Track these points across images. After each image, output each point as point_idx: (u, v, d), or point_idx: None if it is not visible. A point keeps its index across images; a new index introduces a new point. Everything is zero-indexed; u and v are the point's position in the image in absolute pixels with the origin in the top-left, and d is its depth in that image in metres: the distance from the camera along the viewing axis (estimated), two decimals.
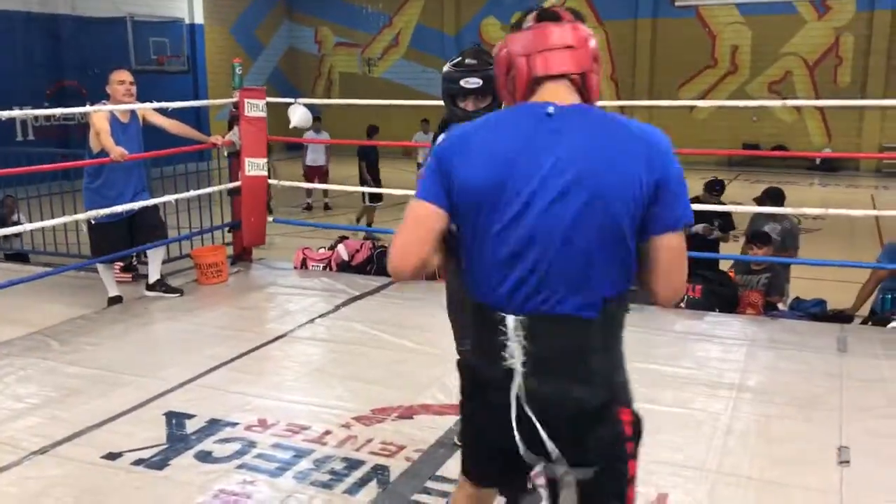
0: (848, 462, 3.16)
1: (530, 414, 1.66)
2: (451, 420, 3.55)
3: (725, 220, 6.84)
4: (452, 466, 3.16)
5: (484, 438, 1.81)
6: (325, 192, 13.37)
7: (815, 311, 5.43)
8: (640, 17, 20.56)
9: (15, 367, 4.26)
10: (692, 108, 19.21)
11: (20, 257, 7.49)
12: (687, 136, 18.75)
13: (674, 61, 20.19)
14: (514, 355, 1.66)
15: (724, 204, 6.88)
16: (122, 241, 5.44)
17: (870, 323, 5.30)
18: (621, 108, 21.18)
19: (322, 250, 6.66)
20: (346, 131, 16.58)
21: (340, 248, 6.55)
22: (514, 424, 1.68)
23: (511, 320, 1.66)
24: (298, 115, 6.38)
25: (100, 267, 5.45)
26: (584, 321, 1.66)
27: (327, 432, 3.46)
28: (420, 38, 23.27)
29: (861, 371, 4.18)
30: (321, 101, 15.48)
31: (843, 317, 5.30)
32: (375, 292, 5.71)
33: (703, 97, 19.69)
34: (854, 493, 2.94)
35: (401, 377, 4.10)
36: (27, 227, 5.83)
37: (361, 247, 6.57)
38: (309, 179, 12.47)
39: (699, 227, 6.53)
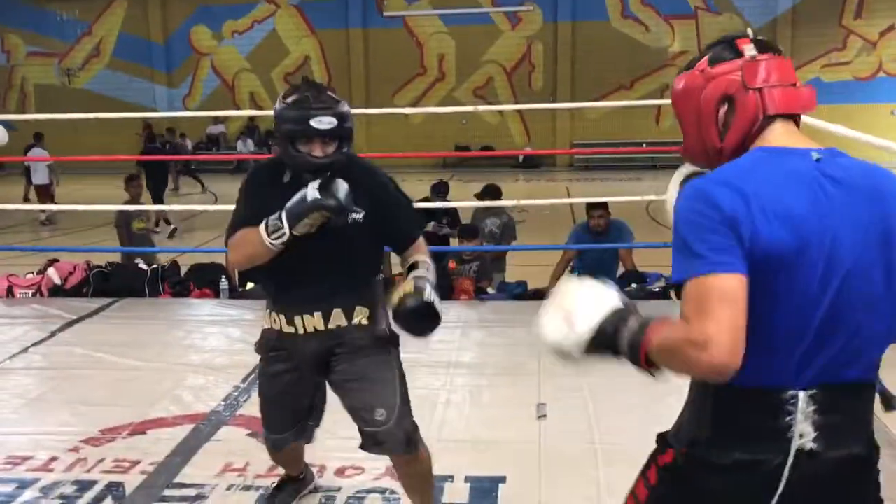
0: (545, 416, 3.67)
1: None
2: (186, 430, 3.59)
3: (453, 217, 7.45)
4: (189, 472, 3.22)
5: None
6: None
7: (519, 292, 6.08)
8: (352, 26, 21.19)
9: None
10: (406, 114, 20.27)
11: None
12: (403, 141, 19.70)
13: (386, 69, 21.07)
14: None
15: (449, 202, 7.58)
16: None
17: None
18: None
19: (30, 276, 6.23)
20: (49, 148, 15.42)
21: (51, 271, 6.15)
22: None
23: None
24: None
25: None
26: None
27: (53, 458, 3.34)
28: (125, 47, 22.07)
29: None
30: (16, 116, 14.16)
31: (541, 294, 6.00)
32: (94, 314, 5.48)
33: (415, 104, 20.75)
34: (550, 440, 3.44)
35: (129, 395, 4.03)
36: None
37: (75, 269, 6.23)
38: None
39: (430, 226, 7.09)
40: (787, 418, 1.44)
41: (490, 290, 6.11)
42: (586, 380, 4.10)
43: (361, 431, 2.55)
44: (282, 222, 2.29)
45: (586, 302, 1.53)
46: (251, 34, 21.75)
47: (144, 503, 2.99)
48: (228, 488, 3.10)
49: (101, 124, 15.43)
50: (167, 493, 3.06)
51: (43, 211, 12.45)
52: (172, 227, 11.58)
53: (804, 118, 1.67)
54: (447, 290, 5.91)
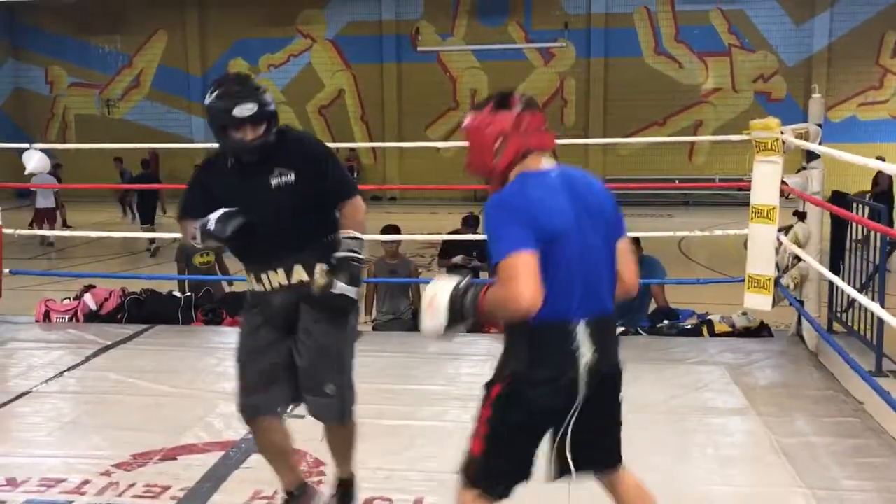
0: None
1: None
2: (216, 457, 3.61)
3: (482, 250, 7.43)
4: (218, 499, 3.24)
5: None
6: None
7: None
8: (386, 61, 21.48)
9: None
10: (438, 148, 20.41)
11: None
12: (435, 174, 19.82)
13: (419, 103, 21.29)
14: None
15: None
16: None
17: None
18: (373, 150, 21.95)
19: (67, 301, 6.34)
20: (86, 175, 15.78)
21: (87, 297, 6.26)
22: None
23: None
24: (35, 160, 6.05)
25: None
26: None
27: (86, 482, 3.37)
28: (164, 79, 22.57)
29: None
30: (59, 146, 14.51)
31: None
32: (128, 340, 5.55)
33: (447, 137, 20.91)
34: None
35: (161, 421, 4.06)
36: None
37: (111, 295, 6.33)
38: (39, 220, 12.84)
39: (458, 259, 7.07)
40: (574, 343, 2.14)
41: None
42: None
43: (311, 403, 2.80)
44: (196, 234, 2.71)
45: (437, 295, 2.15)
46: (287, 68, 22.12)
47: None
48: None
49: (141, 153, 15.76)
50: None
51: (44, 238, 13.21)
52: (155, 246, 12.51)
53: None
54: (476, 322, 5.91)
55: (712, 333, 5.62)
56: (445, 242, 7.61)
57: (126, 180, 16.56)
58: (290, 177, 2.67)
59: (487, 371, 4.76)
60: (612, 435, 2.37)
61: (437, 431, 3.90)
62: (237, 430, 3.91)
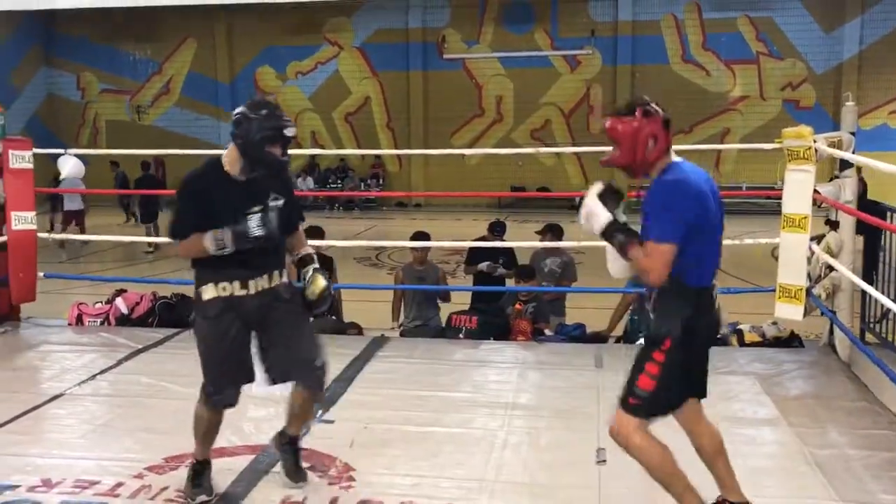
0: (605, 461, 3.62)
1: None
2: (247, 460, 3.64)
3: (509, 258, 7.34)
4: None
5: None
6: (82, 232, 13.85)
7: (576, 334, 6.04)
8: (412, 69, 21.57)
9: None
10: (464, 155, 20.44)
11: None
12: (460, 181, 19.85)
13: (445, 110, 21.36)
14: None
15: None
16: None
17: (622, 342, 5.98)
18: (399, 157, 22.03)
19: (99, 304, 6.42)
20: (109, 180, 15.99)
21: (119, 301, 6.34)
22: None
23: None
24: (70, 165, 6.16)
25: None
26: None
27: (119, 484, 3.41)
28: (193, 86, 22.83)
29: (614, 382, 4.72)
30: (92, 151, 14.75)
31: (599, 337, 5.95)
32: (159, 344, 5.61)
33: (472, 144, 20.96)
34: (609, 486, 3.39)
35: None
36: None
37: (142, 299, 6.40)
38: (67, 221, 13.23)
39: (484, 266, 7.03)
40: (713, 298, 2.82)
41: (548, 332, 6.07)
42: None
43: (304, 376, 3.28)
44: (226, 241, 3.05)
45: (594, 213, 2.78)
46: (314, 75, 22.29)
47: None
48: None
49: (169, 159, 15.97)
50: None
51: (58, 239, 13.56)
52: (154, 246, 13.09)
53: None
54: (505, 330, 5.91)
55: (742, 343, 5.57)
56: (472, 249, 7.60)
57: (119, 183, 16.92)
58: (281, 202, 3.21)
59: (514, 378, 4.81)
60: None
61: (464, 438, 3.90)
62: (267, 434, 3.94)
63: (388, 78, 21.80)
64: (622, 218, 2.79)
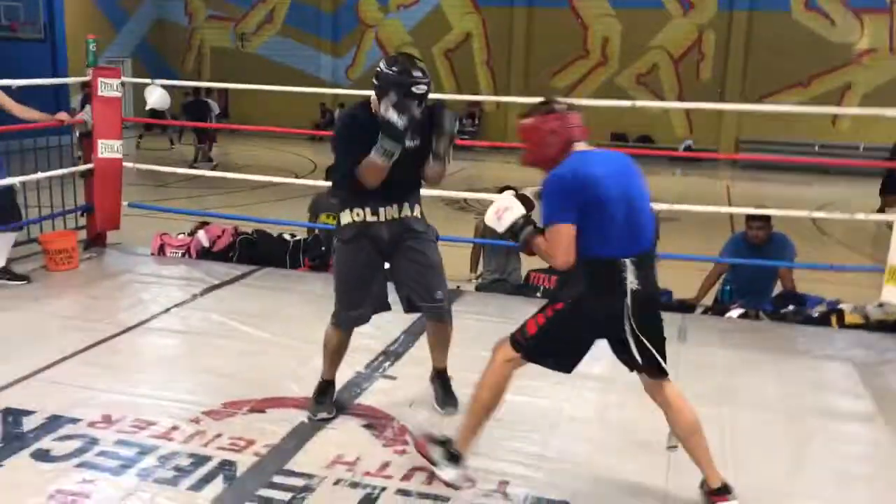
0: (676, 447, 3.37)
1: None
2: (304, 414, 3.57)
3: None
4: (300, 460, 3.19)
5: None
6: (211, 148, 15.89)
7: (663, 301, 5.71)
8: (517, 4, 20.93)
9: None
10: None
11: None
12: None
13: (548, 50, 20.70)
14: None
15: None
16: None
17: (710, 313, 5.63)
18: (497, 104, 21.52)
19: (182, 236, 6.49)
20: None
21: (201, 234, 6.39)
22: None
23: None
24: (156, 96, 6.16)
25: None
26: None
27: (174, 427, 3.39)
28: (296, 15, 22.84)
29: (696, 358, 4.46)
30: (187, 83, 14.95)
31: (685, 307, 5.62)
32: (235, 281, 5.62)
33: (574, 87, 20.29)
34: (678, 475, 3.15)
35: (255, 369, 4.07)
36: None
37: (223, 233, 6.43)
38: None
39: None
40: (623, 274, 2.78)
41: None
42: (728, 410, 3.79)
43: (421, 306, 3.53)
44: (383, 144, 3.15)
45: (509, 207, 2.87)
46: (416, 8, 21.92)
47: (253, 487, 2.97)
48: (336, 483, 3.03)
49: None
50: (276, 479, 3.03)
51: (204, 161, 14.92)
52: (214, 163, 14.58)
53: None
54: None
55: (842, 324, 5.15)
56: None
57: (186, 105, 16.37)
58: (418, 142, 3.35)
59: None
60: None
61: (527, 409, 3.71)
62: None
63: (492, 14, 21.23)
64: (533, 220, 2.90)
